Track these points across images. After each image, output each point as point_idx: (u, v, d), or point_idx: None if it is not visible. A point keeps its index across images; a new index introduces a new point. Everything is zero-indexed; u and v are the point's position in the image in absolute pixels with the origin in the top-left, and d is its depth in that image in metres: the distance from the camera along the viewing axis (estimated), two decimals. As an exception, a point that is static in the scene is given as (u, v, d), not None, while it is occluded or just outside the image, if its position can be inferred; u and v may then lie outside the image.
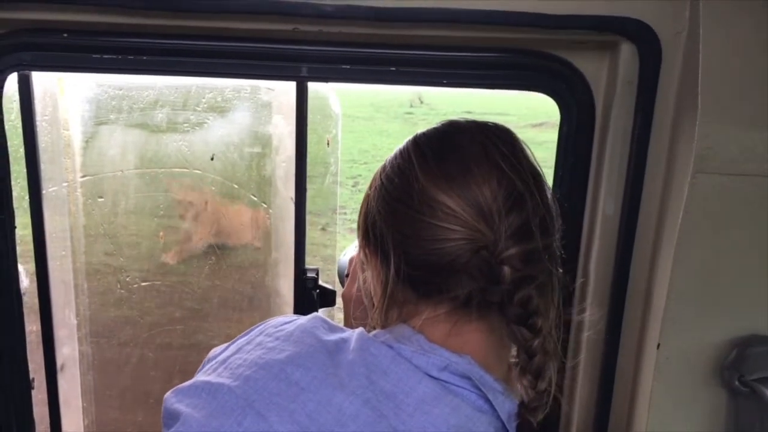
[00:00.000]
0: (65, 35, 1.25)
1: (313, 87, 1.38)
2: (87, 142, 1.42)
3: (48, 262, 1.41)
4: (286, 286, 1.54)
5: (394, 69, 1.27)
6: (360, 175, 13.44)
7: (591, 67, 1.28)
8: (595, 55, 1.27)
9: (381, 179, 0.87)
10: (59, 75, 1.44)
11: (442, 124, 0.89)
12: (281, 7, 1.16)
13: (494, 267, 0.78)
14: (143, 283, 1.50)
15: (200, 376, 0.83)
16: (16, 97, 1.32)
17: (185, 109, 1.36)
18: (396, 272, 0.82)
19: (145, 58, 1.26)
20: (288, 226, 1.44)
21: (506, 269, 0.78)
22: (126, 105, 1.37)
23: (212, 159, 1.40)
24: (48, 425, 1.50)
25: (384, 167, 0.88)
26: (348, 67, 1.26)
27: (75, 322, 1.56)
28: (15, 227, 1.40)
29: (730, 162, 1.14)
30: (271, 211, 1.50)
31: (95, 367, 1.59)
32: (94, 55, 1.27)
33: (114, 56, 1.26)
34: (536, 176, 0.85)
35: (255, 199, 1.46)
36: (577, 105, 1.29)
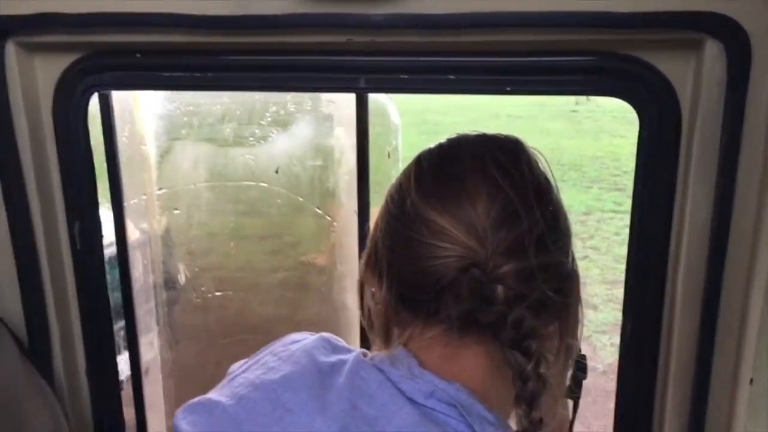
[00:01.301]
0: (138, 55, 1.31)
1: (373, 98, 1.36)
2: (162, 156, 1.49)
3: (131, 270, 1.49)
4: (351, 300, 1.54)
5: (453, 77, 1.22)
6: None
7: (675, 68, 1.16)
8: (678, 55, 1.15)
9: (386, 196, 0.86)
10: (134, 93, 1.52)
11: (448, 139, 0.87)
12: (332, 19, 1.15)
13: (486, 286, 0.74)
14: (217, 293, 1.55)
15: (210, 392, 0.85)
16: (98, 115, 1.40)
17: (250, 123, 1.39)
18: (391, 291, 0.81)
19: (210, 74, 1.29)
20: (352, 239, 1.44)
21: (499, 288, 0.74)
22: (196, 121, 1.42)
23: (276, 172, 1.42)
24: (134, 427, 1.59)
25: (391, 184, 0.87)
26: (406, 76, 1.23)
27: (156, 328, 1.64)
28: (102, 236, 1.49)
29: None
30: (335, 224, 1.50)
31: (175, 373, 1.67)
32: (164, 74, 1.32)
33: (182, 74, 1.31)
34: (539, 190, 0.80)
35: (319, 212, 1.46)
36: (660, 110, 1.17)
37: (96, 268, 1.49)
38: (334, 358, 0.82)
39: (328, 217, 1.49)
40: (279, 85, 1.28)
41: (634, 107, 1.19)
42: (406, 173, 0.85)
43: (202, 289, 1.56)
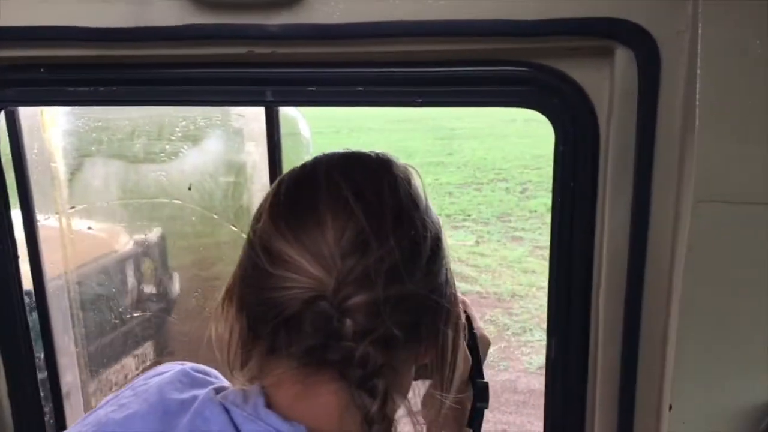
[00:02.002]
0: (42, 70, 1.26)
1: (283, 112, 1.31)
2: (73, 174, 1.44)
3: (47, 291, 1.44)
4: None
5: (362, 89, 1.17)
6: (530, 181, 13.25)
7: (590, 77, 1.11)
8: (593, 63, 1.10)
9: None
10: (41, 109, 1.48)
11: (313, 159, 0.81)
12: (229, 30, 1.10)
13: (333, 320, 0.70)
14: (135, 314, 1.50)
15: (70, 427, 0.81)
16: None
17: (160, 138, 1.34)
18: (243, 322, 0.77)
19: (114, 88, 1.25)
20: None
21: (348, 322, 0.69)
22: (105, 137, 1.38)
23: (189, 189, 1.37)
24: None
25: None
26: (314, 89, 1.18)
27: (74, 350, 1.59)
28: (18, 257, 1.44)
29: (736, 188, 0.94)
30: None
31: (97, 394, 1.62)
32: (69, 88, 1.28)
33: (87, 88, 1.26)
34: (399, 215, 0.74)
35: (235, 229, 1.41)
36: (576, 121, 1.13)
37: (12, 289, 1.44)
38: (187, 394, 0.78)
39: (244, 235, 1.43)
40: (184, 99, 1.24)
41: (550, 119, 1.15)
42: (266, 196, 0.81)
43: (120, 310, 1.51)
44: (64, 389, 1.53)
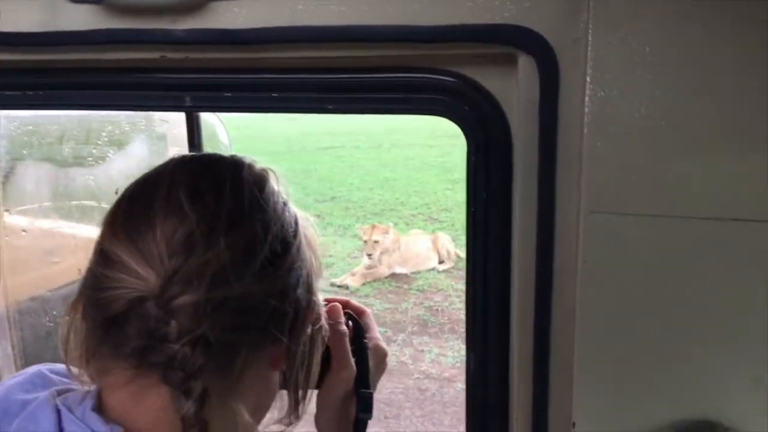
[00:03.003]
0: None
1: (203, 117, 1.32)
2: (6, 177, 1.46)
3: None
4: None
5: (276, 95, 1.17)
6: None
7: (500, 85, 1.09)
8: (502, 71, 1.08)
9: None
10: (-26, 113, 1.51)
11: (164, 162, 0.81)
12: (137, 34, 1.11)
13: (159, 321, 0.69)
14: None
15: None
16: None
17: (88, 143, 1.36)
18: (84, 322, 0.77)
19: (42, 93, 1.27)
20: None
21: (173, 324, 0.69)
22: (35, 140, 1.40)
23: (116, 193, 1.38)
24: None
25: None
26: (230, 94, 1.18)
27: (11, 353, 1.60)
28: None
29: (627, 199, 0.92)
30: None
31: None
32: None
33: (15, 92, 1.28)
34: (236, 220, 0.74)
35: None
36: (488, 129, 1.11)
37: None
38: (32, 395, 0.78)
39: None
40: (107, 104, 1.25)
41: (461, 128, 1.13)
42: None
43: (54, 312, 1.53)
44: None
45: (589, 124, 0.93)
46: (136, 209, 0.76)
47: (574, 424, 1.03)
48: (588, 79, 0.93)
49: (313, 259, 0.86)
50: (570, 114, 0.99)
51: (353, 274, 9.26)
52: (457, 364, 6.77)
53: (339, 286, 8.91)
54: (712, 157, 0.91)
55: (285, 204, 0.82)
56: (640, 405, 1.00)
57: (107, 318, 0.72)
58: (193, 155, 0.84)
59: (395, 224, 10.08)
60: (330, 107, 1.16)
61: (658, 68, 0.90)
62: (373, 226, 9.68)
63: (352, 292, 8.67)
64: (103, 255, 0.74)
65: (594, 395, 1.02)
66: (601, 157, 0.93)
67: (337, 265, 9.93)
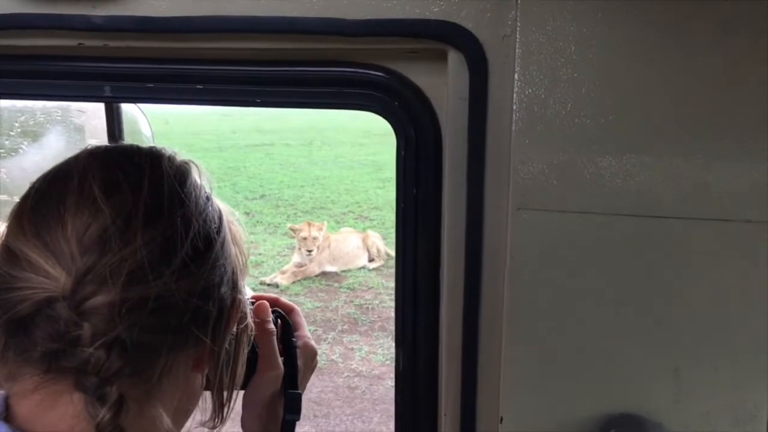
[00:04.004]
0: None
1: (125, 110, 1.27)
2: None
3: None
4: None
5: (201, 87, 1.13)
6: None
7: (429, 80, 1.09)
8: (432, 67, 1.08)
9: None
10: None
11: (76, 153, 0.77)
12: (53, 20, 1.06)
13: (71, 323, 0.65)
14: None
15: None
16: None
17: (-1, 134, 1.29)
18: None
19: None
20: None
21: (86, 326, 0.65)
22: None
23: (30, 187, 1.32)
24: None
25: None
26: (152, 85, 1.14)
27: None
28: None
29: (553, 196, 0.93)
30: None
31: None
32: None
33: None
34: (154, 215, 0.70)
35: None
36: (417, 125, 1.10)
37: None
38: None
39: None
40: (21, 93, 1.19)
41: (391, 123, 1.12)
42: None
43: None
44: None
45: (517, 121, 0.93)
46: (45, 203, 0.71)
47: (501, 419, 1.04)
48: (516, 76, 0.93)
49: (239, 256, 0.83)
50: (499, 111, 0.99)
51: (283, 273, 9.17)
52: (387, 362, 6.79)
53: (268, 285, 8.80)
54: (637, 155, 0.93)
55: (208, 198, 0.79)
56: (566, 399, 1.01)
57: (13, 320, 0.67)
58: (108, 146, 0.79)
59: (326, 222, 10.01)
60: (258, 100, 1.13)
61: (583, 66, 0.91)
62: (309, 224, 9.61)
63: (282, 291, 8.59)
64: (8, 253, 0.69)
65: (521, 390, 1.02)
66: (528, 154, 0.94)
67: (267, 263, 9.81)
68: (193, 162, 0.80)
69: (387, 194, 13.54)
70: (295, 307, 1.05)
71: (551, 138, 0.93)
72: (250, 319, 0.88)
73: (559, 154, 0.93)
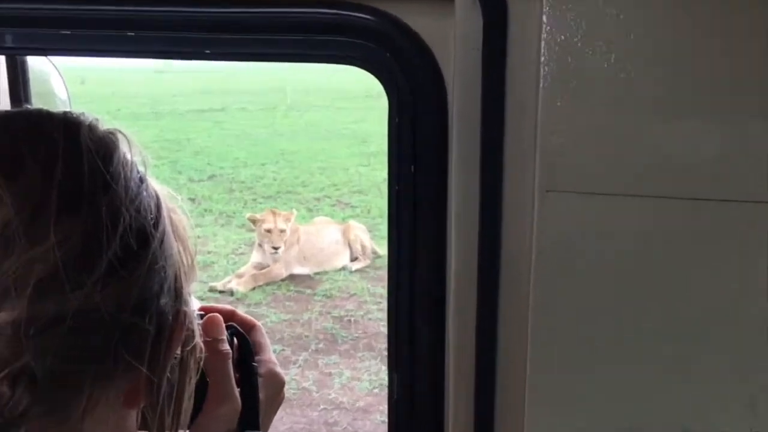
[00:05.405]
0: None
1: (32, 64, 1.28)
2: None
3: None
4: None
5: (131, 34, 1.13)
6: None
7: (432, 27, 1.09)
8: (435, 8, 1.08)
9: None
10: None
11: None
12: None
13: None
14: None
15: None
16: None
17: None
18: None
19: None
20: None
21: None
22: None
23: None
24: None
25: None
26: (68, 32, 1.13)
27: None
28: None
29: (591, 175, 0.94)
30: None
31: None
32: None
33: None
34: (72, 203, 0.70)
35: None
36: (416, 84, 1.11)
37: None
38: None
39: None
40: None
41: (381, 81, 1.13)
42: None
43: None
44: None
45: (545, 76, 0.94)
46: None
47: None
48: (544, 18, 0.93)
49: (183, 255, 0.83)
50: (521, 64, 1.00)
51: (239, 276, 9.18)
52: (375, 390, 6.83)
53: (221, 292, 8.82)
54: (704, 122, 0.94)
55: (142, 180, 0.78)
56: (596, 412, 1.03)
57: None
58: (7, 112, 0.78)
59: (295, 211, 10.05)
60: (206, 52, 1.13)
61: (629, 4, 0.92)
62: (274, 212, 9.63)
63: (238, 300, 8.61)
64: None
65: (552, 422, 1.04)
66: (560, 120, 0.95)
67: (219, 264, 9.83)
68: (120, 132, 0.78)
69: (373, 174, 13.61)
70: (256, 322, 1.06)
71: (589, 99, 0.94)
72: (198, 339, 0.88)
73: (599, 120, 0.94)
